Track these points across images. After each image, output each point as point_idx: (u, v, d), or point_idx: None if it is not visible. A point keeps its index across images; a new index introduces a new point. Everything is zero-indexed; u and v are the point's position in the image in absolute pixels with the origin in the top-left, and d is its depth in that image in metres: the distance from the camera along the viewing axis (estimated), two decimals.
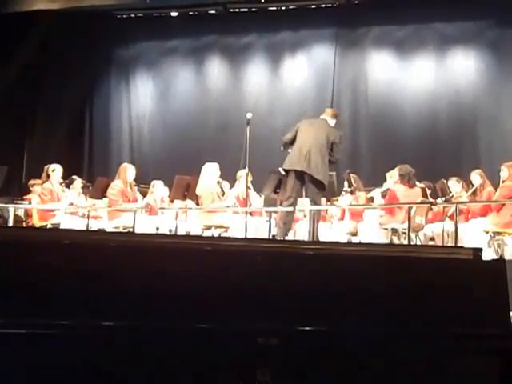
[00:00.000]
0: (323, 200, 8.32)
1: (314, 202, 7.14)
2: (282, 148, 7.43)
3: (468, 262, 2.15)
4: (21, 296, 1.92)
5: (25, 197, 9.58)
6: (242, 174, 8.44)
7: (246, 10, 11.96)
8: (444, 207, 7.89)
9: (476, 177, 8.01)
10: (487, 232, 7.28)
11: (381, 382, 1.96)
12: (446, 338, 1.99)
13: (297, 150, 7.11)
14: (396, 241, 8.01)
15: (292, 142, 7.25)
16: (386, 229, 8.14)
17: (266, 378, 1.87)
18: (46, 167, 8.85)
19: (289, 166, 7.14)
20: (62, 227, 8.14)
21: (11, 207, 8.80)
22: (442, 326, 2.00)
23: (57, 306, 1.90)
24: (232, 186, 9.18)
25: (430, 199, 8.13)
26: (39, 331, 1.87)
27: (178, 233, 8.20)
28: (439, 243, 7.50)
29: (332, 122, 7.43)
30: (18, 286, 1.92)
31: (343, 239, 8.18)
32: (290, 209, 7.13)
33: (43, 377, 1.89)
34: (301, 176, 7.08)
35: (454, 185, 8.29)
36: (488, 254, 6.82)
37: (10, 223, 8.43)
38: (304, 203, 7.48)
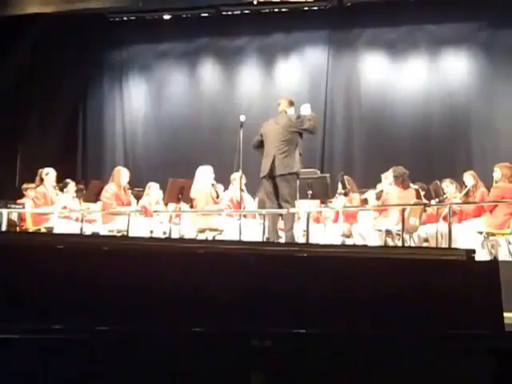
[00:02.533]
0: (317, 202, 8.33)
1: (287, 202, 7.09)
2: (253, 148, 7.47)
3: (461, 263, 2.16)
4: (14, 300, 1.91)
5: (18, 201, 9.54)
6: (236, 177, 8.44)
7: (239, 12, 11.97)
8: (438, 208, 7.91)
9: (469, 178, 8.03)
10: (481, 233, 7.29)
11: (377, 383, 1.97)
12: (439, 339, 2.00)
13: (265, 156, 7.14)
14: (390, 242, 8.01)
15: (260, 144, 7.28)
16: (380, 230, 8.15)
17: (260, 380, 1.87)
18: (39, 171, 8.83)
19: (263, 173, 7.15)
20: (55, 231, 8.11)
21: (5, 211, 8.76)
22: (436, 327, 2.01)
23: (50, 311, 1.90)
24: (226, 188, 9.19)
25: (424, 200, 8.15)
26: (32, 336, 1.86)
27: (172, 236, 8.20)
28: (433, 244, 7.51)
29: (291, 111, 7.41)
30: (11, 290, 1.91)
31: (337, 241, 8.18)
32: (283, 211, 7.12)
33: (34, 381, 1.88)
34: (273, 179, 7.09)
35: (448, 186, 8.31)
36: (482, 255, 6.84)
37: (4, 227, 8.40)
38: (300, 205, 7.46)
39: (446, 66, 11.32)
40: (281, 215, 7.28)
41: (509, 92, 10.66)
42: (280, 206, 7.08)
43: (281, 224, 7.42)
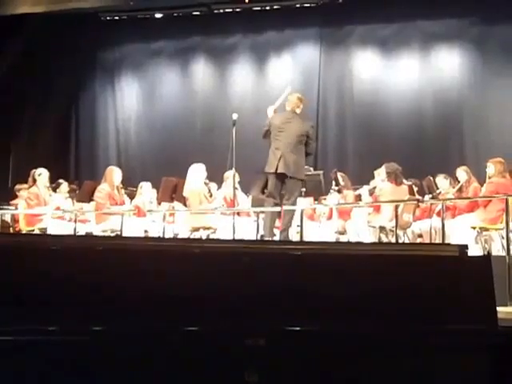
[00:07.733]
0: (311, 199, 8.34)
1: (292, 202, 7.09)
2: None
3: (454, 259, 2.16)
4: (9, 302, 1.91)
5: (11, 202, 9.52)
6: (229, 175, 8.43)
7: (231, 10, 11.95)
8: (431, 204, 7.93)
9: (462, 173, 8.05)
10: (474, 228, 7.31)
11: (369, 382, 1.97)
12: (432, 336, 2.00)
13: (272, 153, 7.09)
14: (384, 239, 8.03)
15: (268, 135, 7.21)
16: (374, 227, 8.17)
17: (254, 378, 1.87)
18: (32, 171, 8.80)
19: (268, 170, 7.12)
20: (49, 232, 8.09)
21: None
22: (429, 324, 2.02)
23: (45, 312, 1.89)
24: (219, 187, 9.18)
25: (417, 196, 8.16)
26: (27, 338, 1.86)
27: (166, 235, 8.19)
28: (427, 240, 7.53)
29: (299, 110, 7.39)
30: (5, 292, 1.91)
31: (331, 238, 8.19)
32: (277, 209, 7.12)
33: (33, 382, 1.88)
34: (280, 177, 7.06)
35: (442, 181, 8.33)
36: (475, 250, 6.86)
37: None
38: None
39: (438, 62, 11.34)
40: (279, 214, 7.27)
41: (501, 87, 10.69)
42: (278, 204, 7.08)
43: (277, 223, 7.42)
